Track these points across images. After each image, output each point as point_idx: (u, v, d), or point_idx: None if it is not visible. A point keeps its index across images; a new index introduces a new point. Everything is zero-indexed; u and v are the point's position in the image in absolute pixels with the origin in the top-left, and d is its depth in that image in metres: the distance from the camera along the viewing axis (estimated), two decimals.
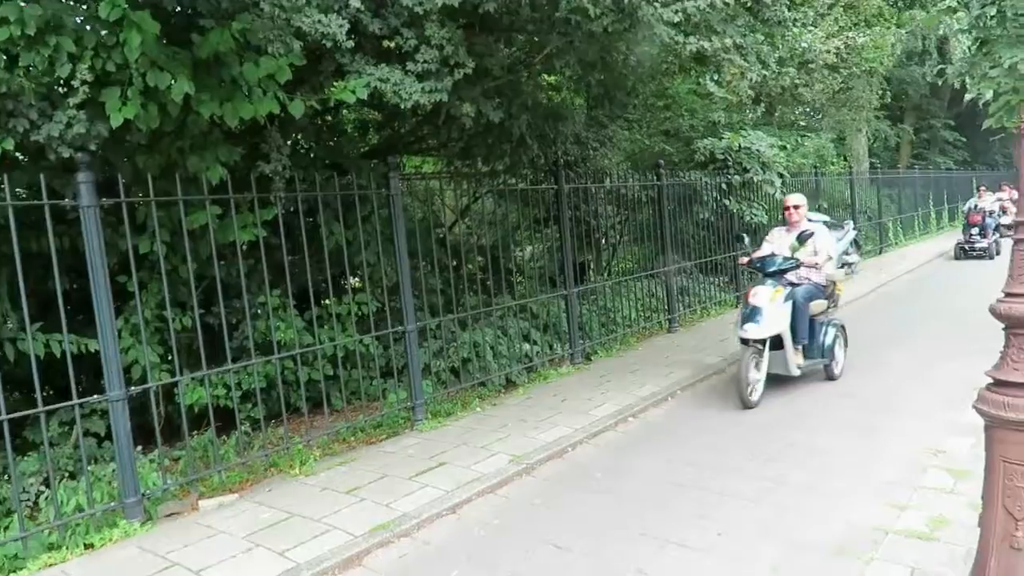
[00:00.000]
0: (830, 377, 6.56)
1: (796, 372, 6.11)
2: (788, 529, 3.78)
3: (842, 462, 4.65)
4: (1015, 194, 17.83)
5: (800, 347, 6.20)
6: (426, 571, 3.64)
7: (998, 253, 15.09)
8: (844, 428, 5.29)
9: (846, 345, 6.81)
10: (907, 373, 6.67)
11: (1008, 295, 2.53)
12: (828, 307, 6.65)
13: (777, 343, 6.00)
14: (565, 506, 4.31)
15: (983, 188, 17.06)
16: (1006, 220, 18.64)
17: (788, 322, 5.95)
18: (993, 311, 2.56)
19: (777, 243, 6.65)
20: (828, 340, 6.44)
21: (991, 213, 15.44)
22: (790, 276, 6.32)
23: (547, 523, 4.08)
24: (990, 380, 2.61)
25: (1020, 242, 2.52)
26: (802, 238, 6.43)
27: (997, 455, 2.55)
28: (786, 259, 6.22)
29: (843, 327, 6.80)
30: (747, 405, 5.80)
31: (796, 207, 6.65)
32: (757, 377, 5.92)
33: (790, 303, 6.02)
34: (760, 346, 5.89)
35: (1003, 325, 2.56)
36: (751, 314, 5.89)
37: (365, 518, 4.15)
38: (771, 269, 6.18)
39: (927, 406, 5.64)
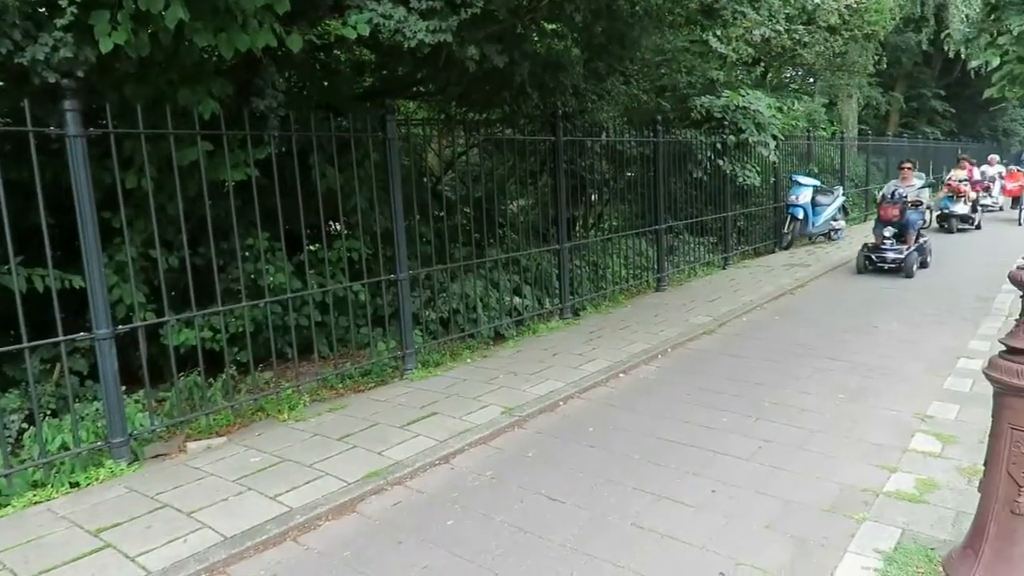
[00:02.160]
0: None
1: None
2: (781, 487, 3.81)
3: (832, 424, 4.69)
4: (979, 172, 16.95)
5: None
6: (421, 519, 3.63)
7: (924, 265, 10.20)
8: (834, 391, 5.33)
9: None
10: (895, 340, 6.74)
11: None
12: None
13: None
14: (558, 459, 4.31)
15: (907, 165, 11.09)
16: (988, 200, 16.91)
17: None
18: (1013, 278, 2.54)
19: None
20: None
21: (917, 205, 10.16)
22: None
23: (541, 475, 4.08)
24: (1003, 347, 2.60)
25: None
26: None
27: (1005, 422, 2.57)
28: None
29: None
30: None
31: None
32: None
33: None
34: None
35: (1021, 293, 2.55)
36: None
37: (358, 465, 4.13)
38: None
39: (914, 373, 5.71)
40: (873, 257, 10.05)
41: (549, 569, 3.14)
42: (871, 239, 10.39)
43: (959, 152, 19.23)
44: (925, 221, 10.45)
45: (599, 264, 8.91)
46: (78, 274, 4.44)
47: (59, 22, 3.65)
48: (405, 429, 4.69)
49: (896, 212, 9.92)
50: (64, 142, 4.00)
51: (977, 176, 15.81)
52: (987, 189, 17.29)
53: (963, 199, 14.52)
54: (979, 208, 15.03)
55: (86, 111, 4.10)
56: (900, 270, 9.70)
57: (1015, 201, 16.77)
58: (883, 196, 10.41)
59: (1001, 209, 17.18)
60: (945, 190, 15.00)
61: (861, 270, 10.14)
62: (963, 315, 7.52)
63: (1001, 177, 17.82)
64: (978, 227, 14.87)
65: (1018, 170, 16.99)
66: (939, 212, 14.57)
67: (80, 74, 3.94)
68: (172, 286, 5.31)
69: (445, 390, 5.49)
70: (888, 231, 10.03)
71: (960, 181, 14.66)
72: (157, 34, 4.04)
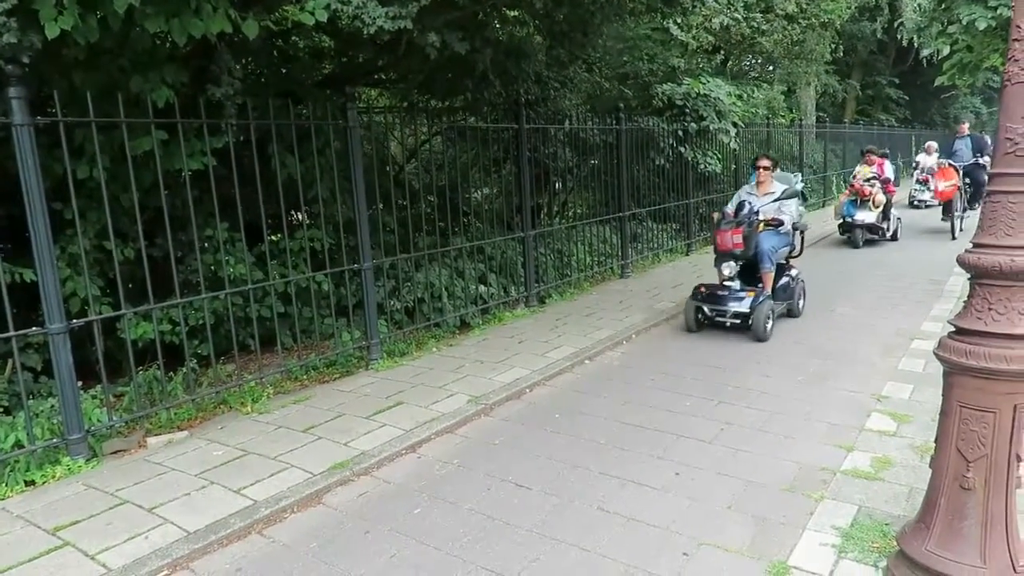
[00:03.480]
0: None
1: None
2: (742, 469, 3.89)
3: (791, 405, 4.80)
4: (915, 163, 15.29)
5: None
6: (388, 509, 3.62)
7: (792, 314, 6.98)
8: (794, 373, 5.45)
9: None
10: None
11: (977, 246, 2.58)
12: None
13: None
14: (525, 446, 4.34)
15: (764, 164, 7.17)
16: (926, 195, 14.79)
17: None
18: (961, 261, 2.61)
19: None
20: None
21: (776, 225, 6.68)
22: None
23: (507, 462, 4.10)
24: (952, 328, 2.68)
25: (992, 194, 2.56)
26: None
27: (954, 400, 2.64)
28: None
29: None
30: None
31: None
32: None
33: None
34: None
35: (969, 275, 2.63)
36: None
37: (323, 456, 4.10)
38: None
39: (869, 354, 5.86)
40: (707, 309, 6.57)
41: (516, 555, 3.16)
42: (708, 286, 6.70)
43: (912, 139, 18.14)
44: (794, 248, 7.07)
45: (564, 252, 8.95)
46: (29, 267, 4.31)
47: (1, 6, 3.51)
48: (371, 419, 4.66)
49: (739, 239, 6.30)
50: (10, 131, 3.87)
51: (889, 173, 12.15)
52: (925, 182, 14.94)
53: (869, 203, 11.37)
54: (892, 216, 11.85)
55: (33, 99, 3.98)
56: (750, 328, 6.31)
57: (945, 207, 12.50)
58: (723, 213, 6.83)
59: (940, 204, 13.25)
60: (848, 192, 11.79)
61: (692, 327, 6.65)
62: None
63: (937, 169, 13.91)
64: (893, 238, 11.82)
65: (950, 165, 12.18)
66: (841, 220, 11.66)
67: (25, 60, 3.79)
68: (128, 278, 5.19)
69: (411, 379, 5.47)
70: (729, 268, 6.49)
71: (866, 180, 11.40)
72: (106, 19, 3.91)
